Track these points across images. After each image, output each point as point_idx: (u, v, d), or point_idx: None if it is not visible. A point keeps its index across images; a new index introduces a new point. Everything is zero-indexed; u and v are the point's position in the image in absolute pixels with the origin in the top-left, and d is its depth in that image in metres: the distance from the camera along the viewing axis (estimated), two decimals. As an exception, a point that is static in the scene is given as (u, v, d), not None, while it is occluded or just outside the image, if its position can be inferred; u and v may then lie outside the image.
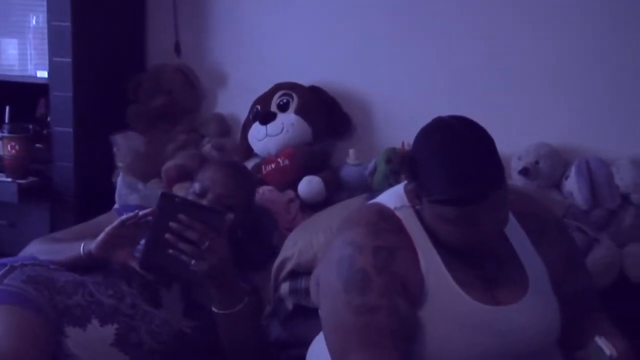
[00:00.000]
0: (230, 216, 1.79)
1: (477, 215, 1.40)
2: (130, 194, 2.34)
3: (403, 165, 2.16)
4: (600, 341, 1.37)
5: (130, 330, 1.78)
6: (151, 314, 1.82)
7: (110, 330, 1.76)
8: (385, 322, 1.40)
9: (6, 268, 1.77)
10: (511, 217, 1.55)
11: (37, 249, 1.94)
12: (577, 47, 2.16)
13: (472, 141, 1.40)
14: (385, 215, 1.50)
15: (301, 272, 2.02)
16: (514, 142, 2.12)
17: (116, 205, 2.32)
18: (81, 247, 1.83)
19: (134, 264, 1.78)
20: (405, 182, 1.58)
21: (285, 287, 2.03)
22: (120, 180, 2.39)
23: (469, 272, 1.48)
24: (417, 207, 1.48)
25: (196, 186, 1.98)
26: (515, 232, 1.56)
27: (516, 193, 1.65)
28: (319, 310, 1.54)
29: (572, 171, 2.07)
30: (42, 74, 2.58)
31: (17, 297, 1.69)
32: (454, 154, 1.39)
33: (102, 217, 2.07)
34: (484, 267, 1.50)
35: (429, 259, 1.46)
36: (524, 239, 1.56)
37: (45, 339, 1.64)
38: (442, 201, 1.41)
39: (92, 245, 1.81)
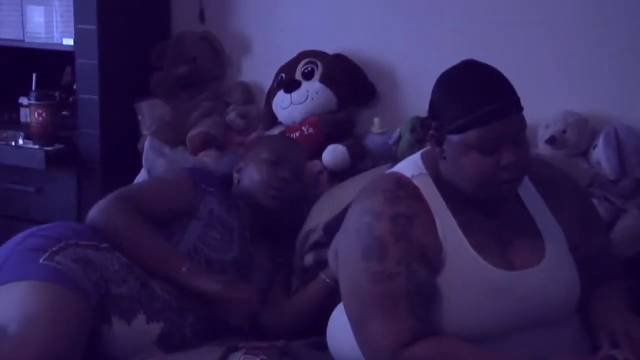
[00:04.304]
0: None
1: (500, 140, 1.41)
2: (157, 158, 2.32)
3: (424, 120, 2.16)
4: (614, 353, 1.39)
5: (176, 330, 1.75)
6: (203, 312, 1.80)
7: (155, 328, 1.73)
8: (403, 288, 1.41)
9: (60, 245, 1.70)
10: (527, 181, 1.56)
11: (120, 223, 1.78)
12: (607, 11, 2.12)
13: (488, 67, 1.46)
14: (402, 183, 1.51)
15: (325, 243, 2.02)
16: (541, 110, 2.09)
17: (186, 168, 2.13)
18: (184, 268, 1.75)
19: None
20: (423, 150, 1.59)
21: (309, 258, 2.04)
22: (147, 144, 2.36)
23: (486, 237, 1.48)
24: (438, 154, 1.49)
25: (269, 155, 1.99)
26: (531, 197, 1.56)
27: (532, 159, 1.64)
28: (339, 279, 1.54)
29: (600, 140, 2.04)
30: (68, 41, 2.58)
31: (63, 276, 1.63)
32: (473, 78, 1.45)
33: (173, 179, 1.96)
34: (500, 232, 1.50)
35: (446, 225, 1.47)
36: (540, 203, 1.56)
37: (80, 323, 1.59)
38: (464, 125, 1.42)
39: (208, 283, 1.73)
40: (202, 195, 1.91)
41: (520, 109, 1.45)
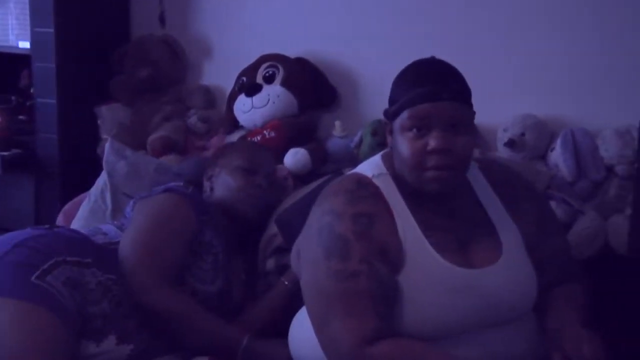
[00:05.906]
0: None
1: (430, 123, 1.45)
2: (118, 161, 2.28)
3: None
4: None
5: (146, 351, 1.70)
6: None
7: (125, 350, 1.68)
8: (366, 287, 1.41)
9: (51, 262, 1.65)
10: (485, 183, 1.60)
11: (172, 315, 1.69)
12: (563, 18, 2.15)
13: (439, 61, 1.53)
14: (363, 183, 1.52)
15: (287, 248, 2.02)
16: (500, 113, 2.12)
17: (183, 192, 1.93)
18: (244, 340, 1.70)
19: None
20: (384, 151, 1.61)
21: (271, 263, 2.04)
22: (108, 146, 2.29)
23: (444, 236, 1.50)
24: (390, 143, 1.54)
25: (243, 163, 1.97)
26: (488, 198, 1.58)
27: (489, 161, 1.69)
28: (300, 281, 1.54)
29: (558, 143, 2.07)
30: (24, 44, 2.55)
31: (51, 299, 1.58)
32: (418, 68, 1.52)
33: (171, 210, 1.84)
34: (459, 231, 1.52)
35: (406, 224, 1.48)
36: (498, 204, 1.58)
37: (62, 355, 1.54)
38: (399, 109, 1.48)
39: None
40: (203, 229, 1.86)
41: (456, 98, 1.47)
